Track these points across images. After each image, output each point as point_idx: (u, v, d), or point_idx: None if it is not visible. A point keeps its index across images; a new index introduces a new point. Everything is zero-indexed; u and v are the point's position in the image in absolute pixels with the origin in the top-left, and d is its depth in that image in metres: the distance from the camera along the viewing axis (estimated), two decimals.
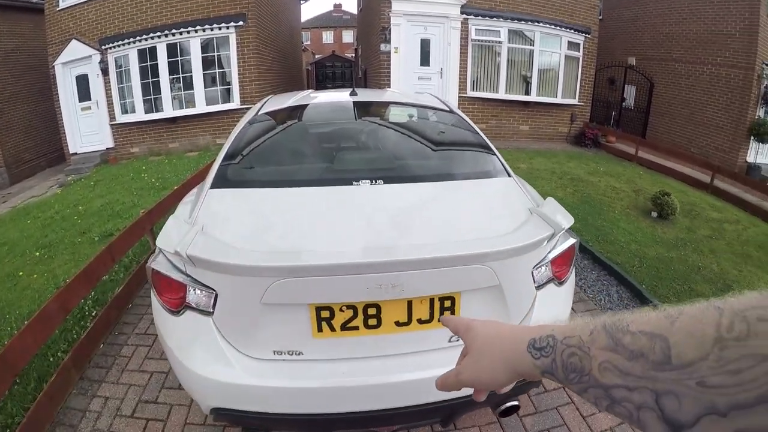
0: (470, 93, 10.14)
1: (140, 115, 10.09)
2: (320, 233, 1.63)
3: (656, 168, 9.00)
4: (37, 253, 5.08)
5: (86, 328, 2.97)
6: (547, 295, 1.74)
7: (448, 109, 2.83)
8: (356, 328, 1.52)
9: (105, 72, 9.95)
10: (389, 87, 9.58)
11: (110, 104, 10.21)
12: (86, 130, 10.51)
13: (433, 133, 2.69)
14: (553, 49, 10.35)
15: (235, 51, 9.74)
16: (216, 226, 1.64)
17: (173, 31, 9.45)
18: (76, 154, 10.59)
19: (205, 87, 9.93)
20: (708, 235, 5.62)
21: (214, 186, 1.93)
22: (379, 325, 1.53)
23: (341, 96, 2.96)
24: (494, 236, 1.58)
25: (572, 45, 10.53)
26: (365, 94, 3.08)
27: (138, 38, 9.55)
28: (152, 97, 9.99)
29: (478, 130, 2.51)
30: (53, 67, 10.12)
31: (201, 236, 1.53)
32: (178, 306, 1.57)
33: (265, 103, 2.93)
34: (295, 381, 1.50)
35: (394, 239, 1.56)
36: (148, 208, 4.11)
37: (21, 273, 4.59)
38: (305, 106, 2.88)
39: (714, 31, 10.52)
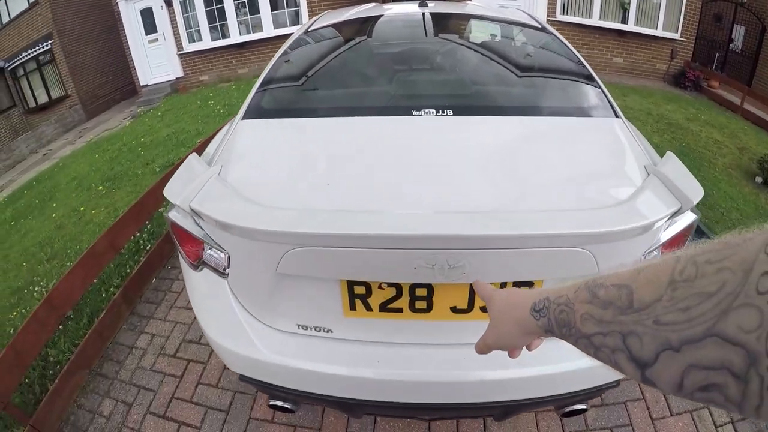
0: (559, 17, 9.18)
1: (207, 42, 10.10)
2: (358, 185, 1.25)
3: (763, 124, 7.69)
4: (101, 187, 5.13)
5: (139, 262, 2.87)
6: None
7: (540, 26, 2.26)
8: (399, 310, 1.19)
9: (168, 3, 9.84)
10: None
11: (176, 34, 10.20)
12: (155, 61, 10.64)
13: (520, 56, 2.13)
14: None
15: None
16: (235, 169, 1.32)
17: None
18: (147, 86, 10.80)
19: (272, 10, 9.74)
20: None
21: (246, 116, 1.59)
22: (429, 309, 1.19)
23: (408, 7, 2.45)
24: (600, 208, 1.13)
25: None
26: (439, 6, 2.51)
27: None
28: (218, 23, 9.95)
29: (579, 55, 1.95)
30: (116, 4, 10.13)
31: (212, 183, 1.23)
32: (196, 260, 1.29)
33: (316, 20, 2.48)
34: (321, 363, 1.22)
35: (456, 202, 1.15)
36: (207, 138, 3.91)
37: (83, 208, 4.65)
38: (362, 19, 2.41)
39: None
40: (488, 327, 0.66)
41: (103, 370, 2.26)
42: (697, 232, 2.81)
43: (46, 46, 11.80)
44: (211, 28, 9.93)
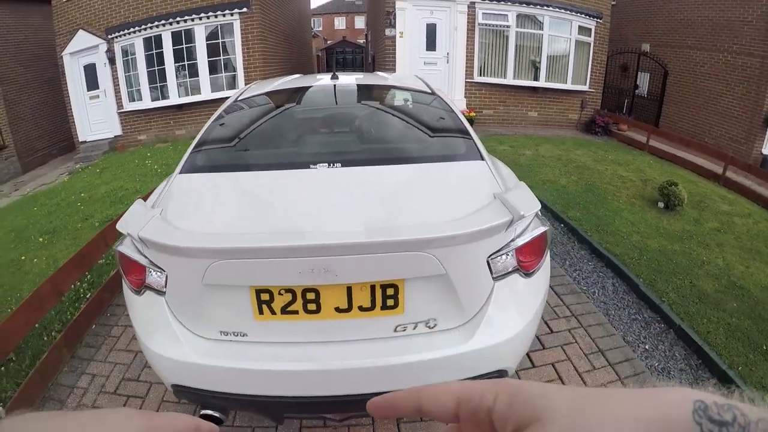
0: (477, 78, 9.96)
1: (147, 102, 10.18)
2: (264, 216, 1.64)
3: (668, 157, 8.73)
4: (41, 239, 5.16)
5: (79, 309, 3.02)
6: (509, 286, 1.61)
7: (429, 90, 2.76)
8: (296, 312, 1.51)
9: (112, 61, 10.02)
10: (394, 72, 9.46)
11: (118, 92, 10.30)
12: (95, 118, 10.64)
13: (405, 115, 2.63)
14: (563, 33, 10.11)
15: (239, 38, 9.71)
16: (173, 210, 1.69)
17: (178, 18, 9.47)
18: (85, 142, 10.73)
19: (210, 74, 9.95)
20: (716, 228, 5.42)
21: (182, 171, 1.99)
22: (318, 310, 1.50)
23: (323, 80, 2.95)
24: (441, 222, 1.48)
25: (583, 30, 10.27)
26: (347, 78, 3.04)
27: (143, 26, 9.59)
28: (159, 84, 10.07)
29: (457, 112, 2.44)
30: (61, 57, 10.23)
31: (156, 220, 1.58)
32: (140, 286, 1.61)
33: (244, 90, 2.95)
34: (240, 362, 1.50)
35: (332, 223, 1.52)
36: (145, 195, 4.13)
37: (23, 258, 4.67)
38: (282, 91, 2.87)
39: (730, 17, 10.11)
40: None
41: (44, 409, 2.37)
42: (594, 253, 3.37)
43: None
44: (151, 89, 10.09)
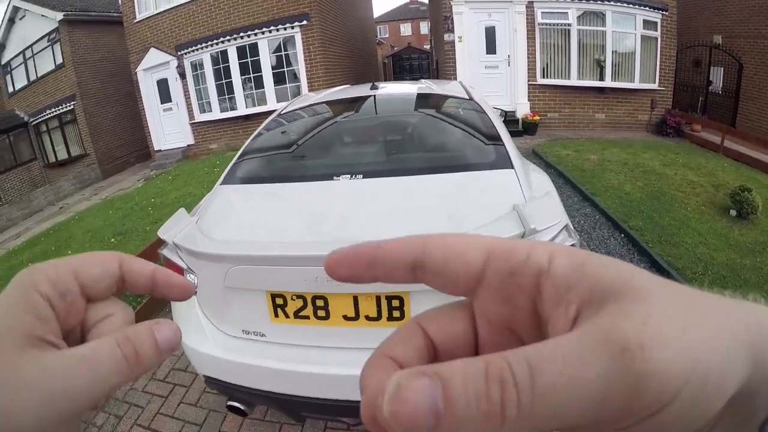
0: (540, 80, 9.63)
1: (216, 113, 10.85)
2: (284, 226, 1.74)
3: (744, 160, 8.00)
4: (113, 240, 5.60)
5: (141, 303, 3.31)
6: None
7: (467, 97, 2.73)
8: (307, 317, 1.56)
9: (182, 75, 10.78)
10: (455, 78, 9.29)
11: (189, 105, 11.07)
12: (168, 128, 11.51)
13: (437, 124, 2.60)
14: (627, 29, 9.55)
15: (301, 49, 10.12)
16: (208, 219, 1.82)
17: (241, 34, 10.03)
18: (160, 150, 11.62)
19: (275, 85, 10.42)
20: None
21: (223, 182, 2.13)
22: (328, 317, 1.55)
23: (362, 91, 3.02)
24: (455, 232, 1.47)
25: (648, 24, 9.64)
26: (389, 88, 3.09)
27: (210, 43, 10.26)
28: (226, 96, 10.70)
29: (493, 118, 2.37)
30: (136, 73, 11.18)
31: (190, 227, 1.72)
32: None
33: (290, 103, 3.10)
34: (258, 359, 1.59)
35: (342, 234, 1.58)
36: None
37: None
38: (320, 104, 2.96)
39: None
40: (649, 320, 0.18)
41: None
42: (655, 266, 3.09)
43: (70, 106, 12.85)
44: (220, 100, 10.73)
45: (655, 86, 9.92)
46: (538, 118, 9.34)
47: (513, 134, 8.78)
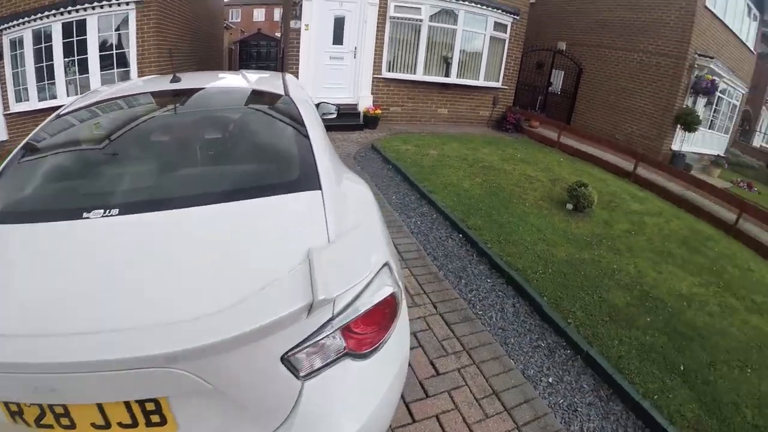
0: (385, 74, 9.49)
1: (34, 103, 8.95)
2: None
3: (579, 155, 8.74)
4: None
5: None
6: (331, 382, 1.21)
7: (282, 93, 2.28)
8: (51, 426, 1.18)
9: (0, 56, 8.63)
10: (297, 67, 8.86)
11: (4, 92, 8.95)
12: None
13: (232, 132, 2.09)
14: (478, 29, 9.84)
15: (134, 30, 8.73)
16: None
17: (69, 8, 8.34)
18: None
19: (101, 70, 8.86)
20: (627, 230, 5.23)
21: None
22: (74, 425, 1.17)
23: (159, 84, 2.42)
24: (195, 320, 1.06)
25: (499, 26, 10.07)
26: (192, 81, 2.52)
27: (34, 17, 8.40)
28: (46, 82, 8.89)
29: (308, 122, 1.94)
30: None
31: None
32: None
33: (75, 100, 2.38)
34: None
35: (64, 322, 1.12)
36: None
37: None
38: (107, 101, 2.26)
39: (648, 19, 10.44)
40: None
41: None
42: (495, 268, 3.31)
43: None
44: (39, 87, 8.89)
45: (498, 84, 10.48)
46: (381, 111, 9.21)
47: (353, 128, 8.13)
